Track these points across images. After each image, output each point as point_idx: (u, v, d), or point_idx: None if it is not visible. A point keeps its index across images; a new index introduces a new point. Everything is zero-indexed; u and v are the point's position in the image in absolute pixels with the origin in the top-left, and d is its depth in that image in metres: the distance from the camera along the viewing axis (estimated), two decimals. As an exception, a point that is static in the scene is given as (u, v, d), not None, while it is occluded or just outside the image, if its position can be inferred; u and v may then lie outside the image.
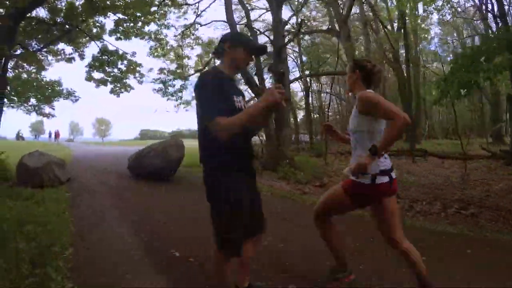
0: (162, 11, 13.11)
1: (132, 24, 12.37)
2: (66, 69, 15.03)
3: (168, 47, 14.24)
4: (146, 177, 7.59)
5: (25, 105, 11.90)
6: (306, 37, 19.18)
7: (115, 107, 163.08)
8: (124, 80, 13.15)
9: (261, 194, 2.15)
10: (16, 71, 12.30)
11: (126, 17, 12.06)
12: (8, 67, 12.17)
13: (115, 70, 12.87)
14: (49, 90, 12.02)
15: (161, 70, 14.32)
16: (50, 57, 12.65)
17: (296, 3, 16.55)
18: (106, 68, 12.65)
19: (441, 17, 16.18)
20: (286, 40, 11.97)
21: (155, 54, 14.15)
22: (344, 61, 20.60)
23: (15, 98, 11.83)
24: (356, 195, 2.06)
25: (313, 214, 2.34)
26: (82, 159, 12.60)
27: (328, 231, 2.33)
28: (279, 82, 10.70)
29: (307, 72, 19.40)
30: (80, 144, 29.77)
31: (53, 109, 12.55)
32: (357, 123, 2.04)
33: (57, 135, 32.28)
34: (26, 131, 68.23)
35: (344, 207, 2.22)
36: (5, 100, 10.90)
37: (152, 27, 13.66)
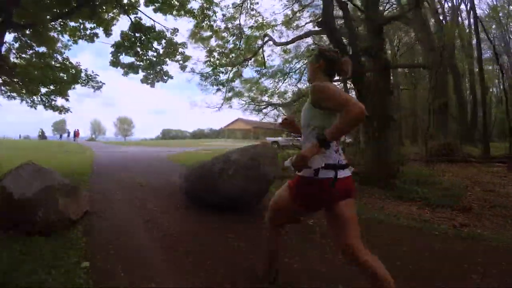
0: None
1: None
2: (85, 56, 11.83)
3: (215, 28, 10.74)
4: (215, 205, 4.21)
5: (27, 93, 8.58)
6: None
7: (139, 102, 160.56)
8: (160, 66, 9.79)
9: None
10: (25, 54, 9.05)
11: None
12: (13, 49, 9.11)
13: (150, 52, 9.54)
14: (63, 76, 8.68)
15: (210, 53, 10.81)
16: (66, 38, 9.37)
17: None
18: (138, 49, 9.33)
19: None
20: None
21: (198, 37, 10.67)
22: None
23: (23, 88, 8.62)
24: (301, 195, 1.77)
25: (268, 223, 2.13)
26: (105, 166, 9.33)
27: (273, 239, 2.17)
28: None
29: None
30: (103, 144, 26.71)
31: (67, 100, 9.18)
32: (309, 117, 1.80)
33: (76, 134, 30.35)
34: (49, 130, 66.86)
35: (292, 211, 1.93)
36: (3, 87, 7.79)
37: (195, 4, 10.40)
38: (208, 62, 10.77)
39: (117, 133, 75.16)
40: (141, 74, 9.82)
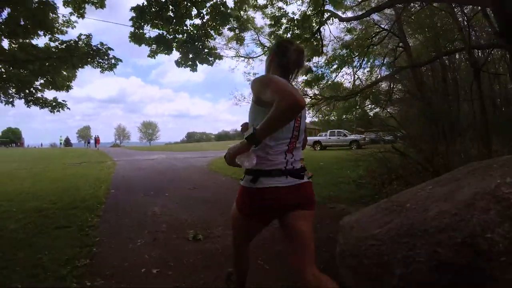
0: None
1: None
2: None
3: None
4: None
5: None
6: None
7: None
8: (203, 42, 6.43)
9: None
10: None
11: None
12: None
13: (189, 21, 6.22)
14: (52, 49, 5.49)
15: (275, 21, 7.26)
16: (69, 10, 6.18)
17: None
18: (171, 15, 6.02)
19: None
20: None
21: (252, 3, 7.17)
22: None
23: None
24: (244, 206, 1.40)
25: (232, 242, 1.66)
26: (128, 188, 6.14)
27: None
28: None
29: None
30: (127, 150, 23.89)
31: (58, 90, 5.93)
32: (253, 117, 1.40)
33: (97, 141, 28.80)
34: (74, 137, 66.23)
35: (244, 228, 1.51)
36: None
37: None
38: (274, 35, 7.28)
39: (142, 137, 73.62)
40: (175, 55, 6.52)
